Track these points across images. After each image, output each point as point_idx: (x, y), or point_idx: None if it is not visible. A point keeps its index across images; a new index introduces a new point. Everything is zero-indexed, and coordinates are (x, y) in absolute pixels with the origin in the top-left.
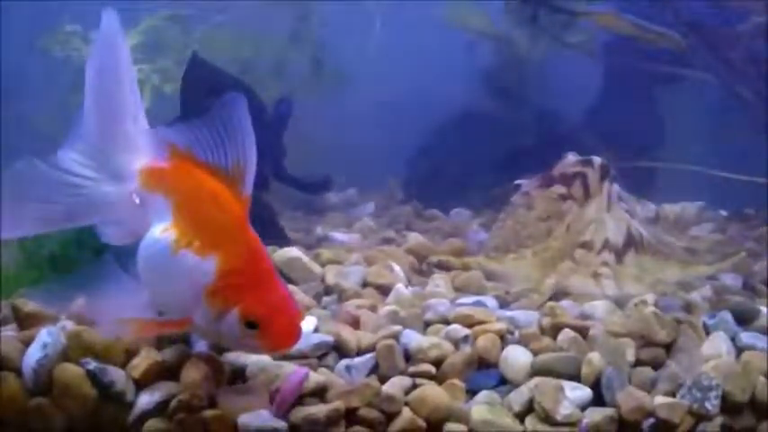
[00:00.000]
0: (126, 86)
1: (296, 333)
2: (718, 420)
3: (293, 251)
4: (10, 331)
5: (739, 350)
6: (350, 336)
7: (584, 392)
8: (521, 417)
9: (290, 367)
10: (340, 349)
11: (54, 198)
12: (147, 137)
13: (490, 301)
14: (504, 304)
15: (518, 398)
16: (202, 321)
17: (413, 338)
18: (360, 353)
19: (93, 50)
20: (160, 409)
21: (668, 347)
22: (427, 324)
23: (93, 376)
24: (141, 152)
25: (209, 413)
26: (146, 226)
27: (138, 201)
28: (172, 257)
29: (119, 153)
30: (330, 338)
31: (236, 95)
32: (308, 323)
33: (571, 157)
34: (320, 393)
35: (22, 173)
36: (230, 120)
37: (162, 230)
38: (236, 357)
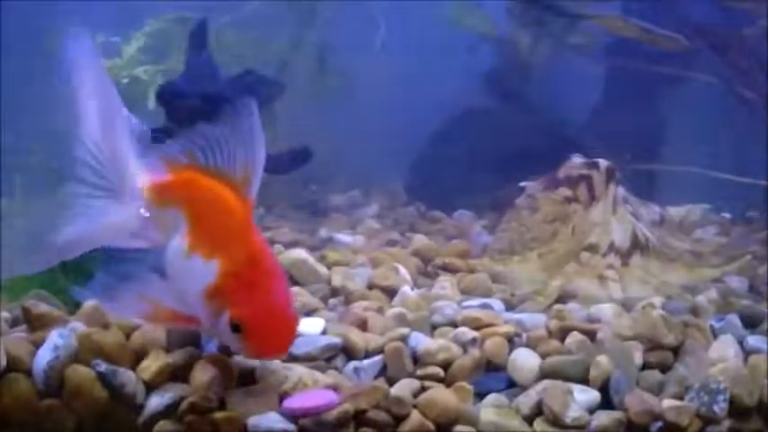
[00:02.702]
0: (111, 107)
1: (281, 342)
2: (726, 424)
3: (299, 253)
4: (21, 333)
5: (746, 353)
6: (358, 338)
7: (593, 395)
8: (529, 420)
9: (299, 369)
10: (348, 351)
11: (65, 233)
12: (141, 151)
13: (496, 304)
14: (510, 307)
15: (526, 401)
16: (205, 321)
17: (421, 341)
18: (368, 355)
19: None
20: (170, 411)
21: (676, 350)
22: (434, 326)
23: (103, 378)
24: (140, 169)
25: (218, 415)
26: (160, 238)
27: (147, 215)
28: (185, 262)
29: (119, 175)
30: (338, 340)
31: (249, 101)
32: (315, 325)
33: (576, 160)
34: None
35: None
36: (241, 124)
37: (179, 238)
38: (246, 359)
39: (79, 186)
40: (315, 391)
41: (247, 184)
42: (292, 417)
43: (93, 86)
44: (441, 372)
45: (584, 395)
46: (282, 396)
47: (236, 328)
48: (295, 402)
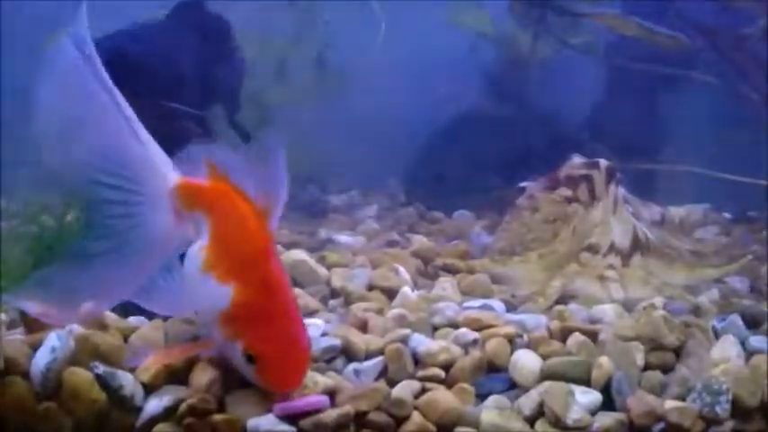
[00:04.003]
0: (112, 106)
1: (294, 375)
2: (729, 425)
3: (299, 254)
4: (18, 335)
5: (749, 354)
6: (358, 339)
7: (594, 397)
8: (531, 421)
9: None
10: (348, 353)
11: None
12: (161, 152)
13: (497, 305)
14: (510, 307)
15: (528, 402)
16: (219, 344)
17: (421, 342)
18: (368, 356)
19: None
20: (169, 414)
21: (677, 351)
22: (435, 328)
23: (101, 380)
24: (167, 166)
25: (217, 417)
26: (184, 236)
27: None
28: (200, 276)
29: (145, 178)
30: (338, 342)
31: (279, 137)
32: (315, 327)
33: (576, 160)
34: (329, 397)
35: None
36: (268, 157)
37: (199, 248)
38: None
39: (112, 212)
40: (309, 396)
41: (268, 215)
42: (285, 417)
43: (97, 89)
44: (441, 373)
45: (586, 396)
46: (281, 396)
47: (250, 359)
48: (285, 404)
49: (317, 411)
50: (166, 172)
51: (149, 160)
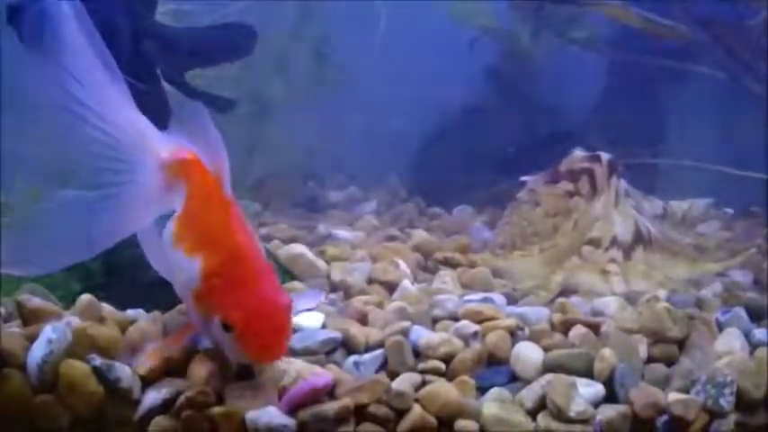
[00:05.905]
0: (105, 77)
1: (274, 339)
2: (733, 417)
3: (299, 248)
4: (14, 327)
5: (752, 346)
6: (358, 332)
7: (597, 389)
8: (533, 414)
9: (298, 364)
10: (348, 345)
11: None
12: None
13: (498, 298)
14: (511, 301)
15: (530, 395)
16: (197, 323)
17: (422, 335)
18: (368, 349)
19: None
20: (167, 406)
21: (681, 344)
22: (435, 320)
23: (99, 373)
24: (159, 137)
25: (216, 410)
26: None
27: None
28: (172, 250)
29: (137, 147)
30: (338, 335)
31: (197, 106)
32: (315, 319)
33: (578, 153)
34: (329, 390)
35: (55, 209)
36: (195, 128)
37: (173, 219)
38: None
39: (96, 174)
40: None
41: (221, 180)
42: (291, 410)
43: (87, 56)
44: (442, 366)
45: (589, 389)
46: (282, 391)
47: (226, 328)
48: (289, 395)
49: (323, 390)
50: (159, 144)
51: (142, 131)
